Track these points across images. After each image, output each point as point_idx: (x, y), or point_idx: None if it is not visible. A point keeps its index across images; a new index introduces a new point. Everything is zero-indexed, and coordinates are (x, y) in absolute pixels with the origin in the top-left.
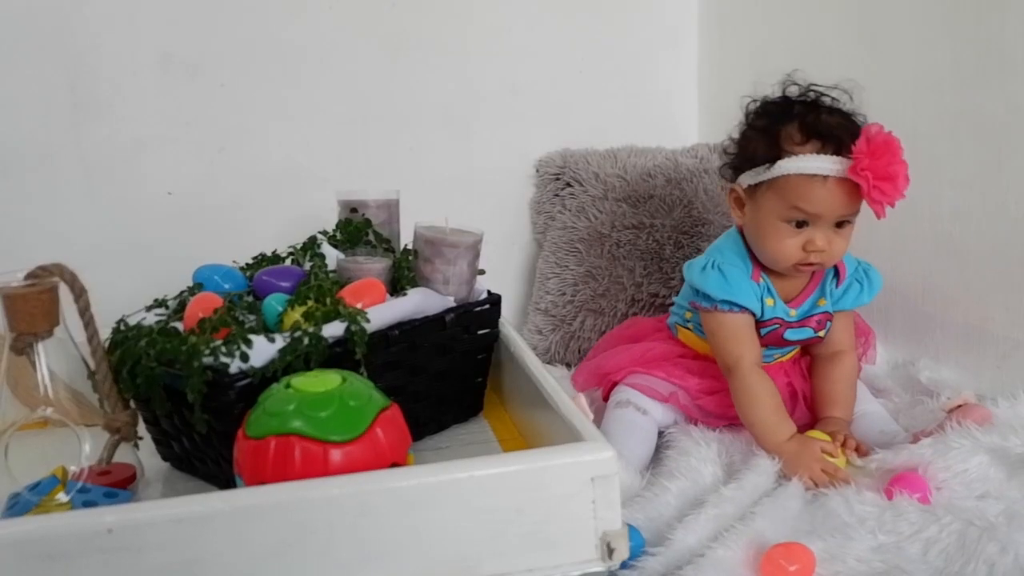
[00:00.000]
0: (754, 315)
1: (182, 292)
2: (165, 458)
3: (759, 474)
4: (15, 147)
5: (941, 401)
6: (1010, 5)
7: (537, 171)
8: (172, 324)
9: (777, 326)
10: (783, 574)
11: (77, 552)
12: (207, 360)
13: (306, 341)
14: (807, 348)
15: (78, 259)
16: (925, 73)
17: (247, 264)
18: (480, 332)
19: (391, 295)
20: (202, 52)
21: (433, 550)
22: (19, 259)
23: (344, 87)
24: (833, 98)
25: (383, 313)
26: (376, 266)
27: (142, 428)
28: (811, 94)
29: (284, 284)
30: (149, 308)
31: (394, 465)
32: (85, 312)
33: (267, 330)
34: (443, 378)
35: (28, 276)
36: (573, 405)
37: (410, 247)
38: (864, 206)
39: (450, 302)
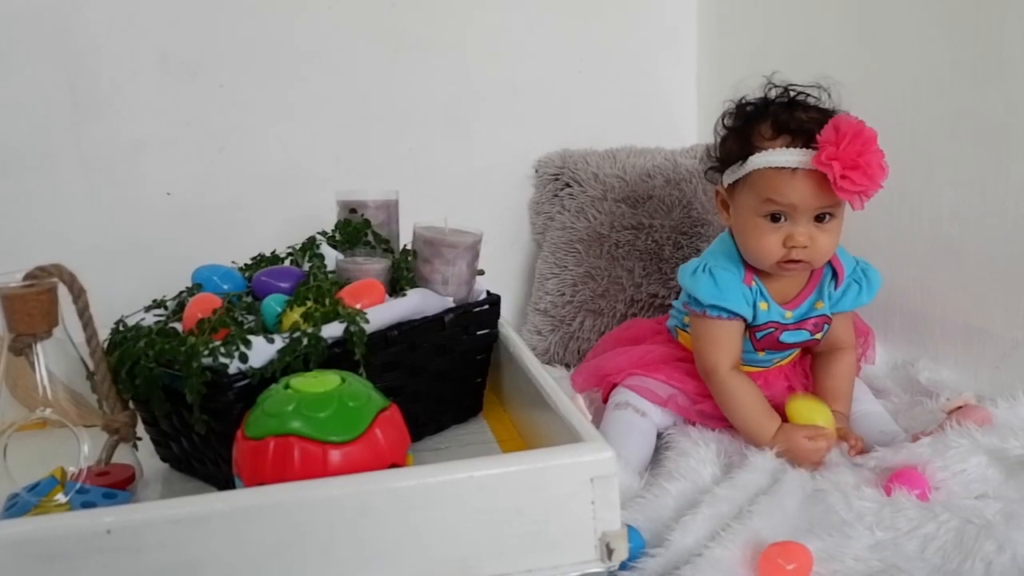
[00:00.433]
0: (745, 320)
1: (181, 293)
2: (164, 459)
3: (753, 472)
4: (15, 147)
5: (941, 402)
6: (1010, 5)
7: (536, 171)
8: (171, 325)
9: (772, 330)
10: (781, 573)
11: (76, 553)
12: (206, 361)
13: (305, 342)
14: (807, 348)
15: (77, 260)
16: (925, 73)
17: (246, 265)
18: (479, 332)
19: (390, 295)
20: (202, 52)
21: (433, 550)
22: (18, 259)
23: (343, 87)
24: (815, 97)
25: (382, 314)
26: (375, 267)
27: (141, 429)
28: (790, 93)
29: (283, 285)
30: (148, 309)
31: (393, 466)
32: (84, 313)
33: (266, 331)
34: (442, 378)
35: (27, 277)
36: (572, 406)
37: (409, 247)
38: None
39: (449, 302)
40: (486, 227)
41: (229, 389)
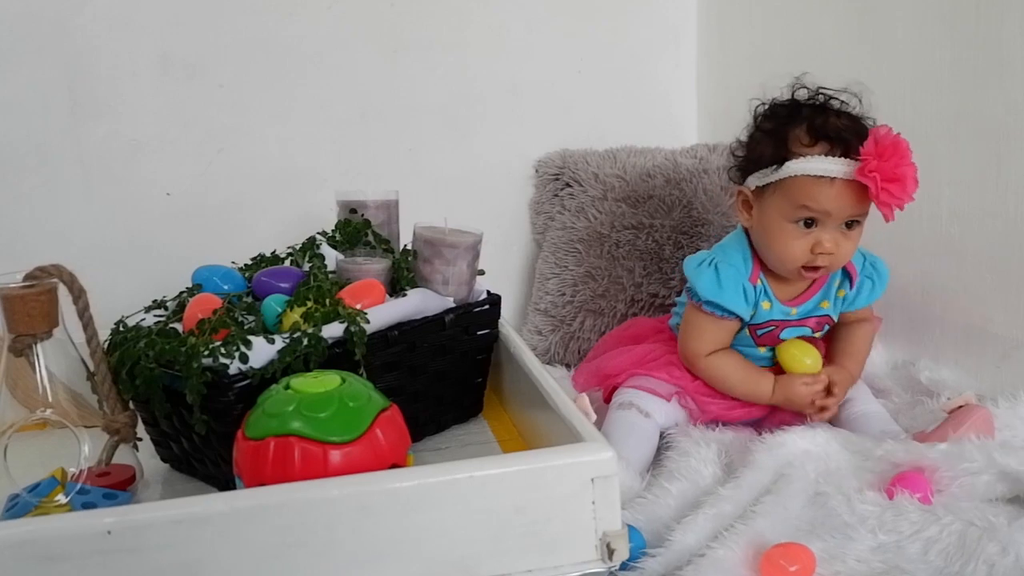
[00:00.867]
0: (742, 320)
1: (181, 293)
2: (164, 459)
3: (756, 471)
4: (14, 148)
5: (942, 402)
6: (1010, 5)
7: (536, 171)
8: (171, 325)
9: (773, 327)
10: (783, 574)
11: (76, 554)
12: (206, 361)
13: (305, 342)
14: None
15: (77, 260)
16: (925, 73)
17: (246, 265)
18: (480, 333)
19: (390, 296)
20: (201, 52)
21: (433, 550)
22: (18, 260)
23: (343, 87)
24: (842, 101)
25: (382, 314)
26: (375, 267)
27: (141, 429)
28: (820, 97)
29: (283, 285)
30: (148, 309)
31: (394, 466)
32: (84, 313)
33: (266, 331)
34: (443, 379)
35: (27, 277)
36: (572, 406)
37: (409, 247)
38: (871, 208)
39: (449, 303)
40: (486, 227)
41: (229, 389)
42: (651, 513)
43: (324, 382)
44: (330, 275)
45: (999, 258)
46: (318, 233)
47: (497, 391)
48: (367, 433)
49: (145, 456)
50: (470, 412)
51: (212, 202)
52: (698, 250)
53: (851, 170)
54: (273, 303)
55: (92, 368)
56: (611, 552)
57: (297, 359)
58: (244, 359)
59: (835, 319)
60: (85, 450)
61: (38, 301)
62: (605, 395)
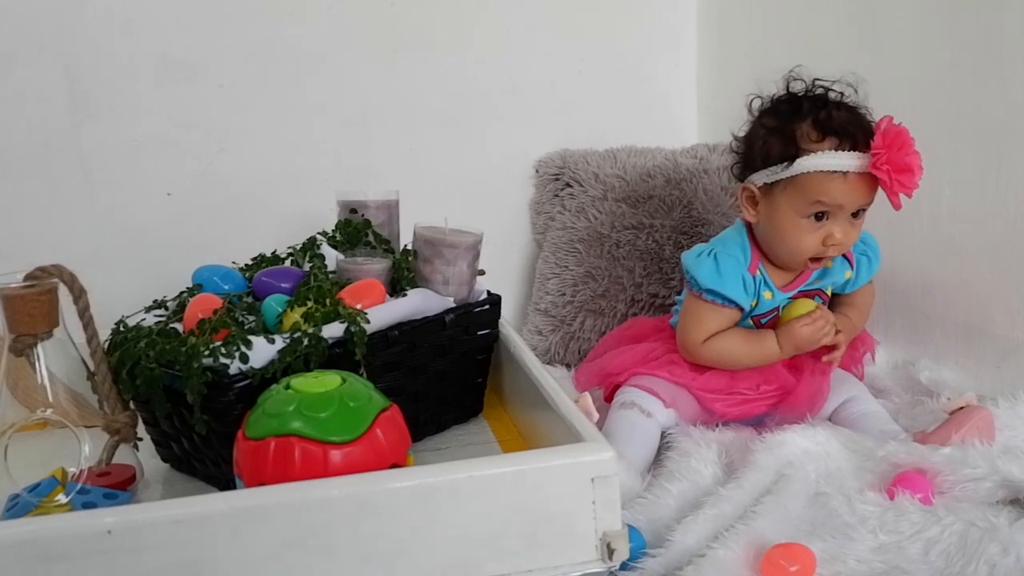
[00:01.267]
0: (742, 309)
1: (181, 293)
2: (165, 459)
3: (757, 471)
4: (14, 148)
5: (942, 402)
6: (1009, 5)
7: (537, 171)
8: (171, 325)
9: (775, 313)
10: (783, 574)
11: (77, 553)
12: (207, 361)
13: (306, 342)
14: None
15: (77, 260)
16: (925, 73)
17: (246, 265)
18: (480, 333)
19: (391, 296)
20: (201, 53)
21: (433, 550)
22: (19, 260)
23: (343, 87)
24: (840, 92)
25: (383, 314)
26: (376, 267)
27: (141, 429)
28: (817, 89)
29: (284, 285)
30: (148, 309)
31: (394, 466)
32: (84, 313)
33: (267, 331)
34: (443, 379)
35: (27, 277)
36: (573, 406)
37: (410, 248)
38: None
39: (450, 303)
40: (486, 227)
41: (230, 389)
42: (651, 513)
43: (324, 382)
44: (330, 275)
45: (999, 258)
46: (318, 233)
47: (497, 391)
48: (367, 433)
49: (145, 456)
50: (470, 412)
51: (212, 202)
52: None
53: (863, 163)
54: (273, 303)
55: (92, 368)
56: (611, 552)
57: (297, 359)
58: (244, 359)
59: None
60: (85, 450)
61: (39, 301)
62: (606, 394)
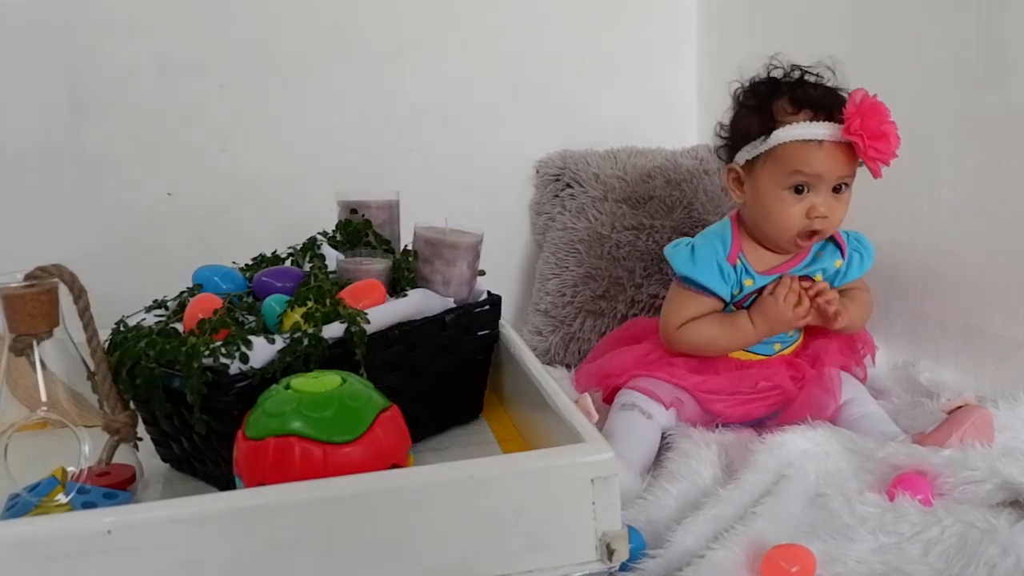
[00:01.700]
0: (721, 299)
1: (182, 293)
2: (164, 459)
3: (756, 472)
4: (15, 147)
5: (941, 402)
6: (1011, 6)
7: (537, 172)
8: (172, 325)
9: (755, 297)
10: (783, 575)
11: (77, 553)
12: (207, 361)
13: (306, 342)
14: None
15: (78, 260)
16: (925, 74)
17: (247, 265)
18: (480, 333)
19: (391, 296)
20: (202, 53)
21: (433, 550)
22: (19, 260)
23: (344, 87)
24: (817, 75)
25: (383, 314)
26: (376, 267)
27: (141, 429)
28: (795, 73)
29: (284, 285)
30: (148, 309)
31: (394, 466)
32: (85, 313)
33: (267, 331)
34: (443, 379)
35: (28, 277)
36: (573, 406)
37: (410, 248)
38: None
39: (450, 303)
40: (487, 228)
41: (230, 389)
42: (651, 514)
43: (324, 382)
44: (331, 275)
45: (1000, 259)
46: (319, 233)
47: (497, 391)
48: (367, 433)
49: (145, 456)
50: (470, 412)
51: (213, 202)
52: None
53: (837, 132)
54: (273, 303)
55: (92, 368)
56: (611, 553)
57: (297, 359)
58: (244, 359)
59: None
60: (85, 450)
61: (39, 301)
62: (605, 395)
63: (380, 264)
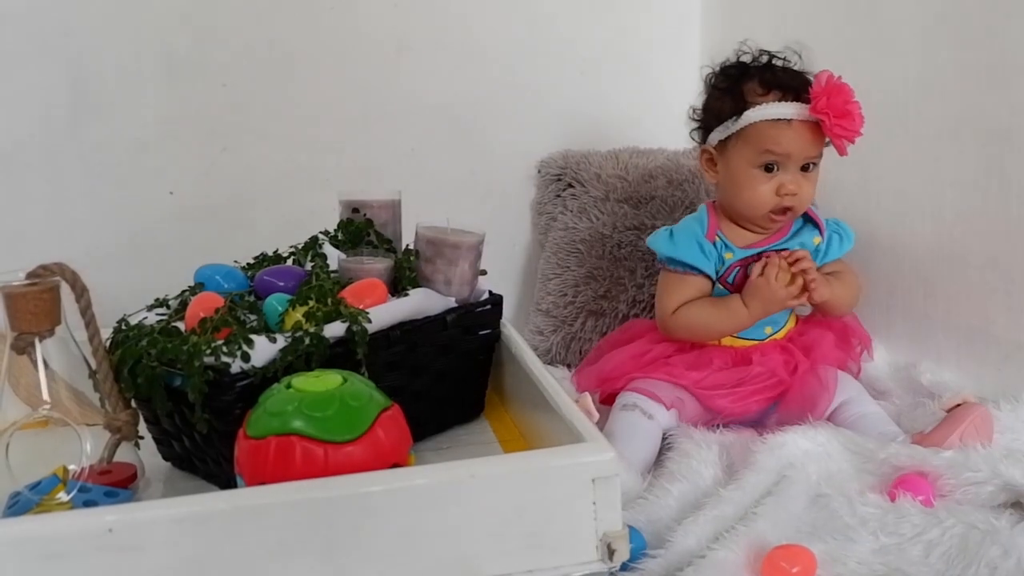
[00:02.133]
0: (707, 276)
1: (183, 292)
2: (166, 457)
3: (757, 473)
4: (16, 146)
5: (941, 401)
6: (1015, 7)
7: (539, 172)
8: (173, 324)
9: (738, 269)
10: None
11: (78, 552)
12: (208, 360)
13: (307, 341)
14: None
15: (79, 258)
16: (928, 75)
17: (248, 264)
18: (481, 333)
19: (392, 295)
20: (204, 52)
21: (434, 550)
22: (20, 258)
23: (346, 87)
24: (784, 59)
25: (384, 313)
26: (377, 266)
27: (143, 427)
28: (764, 57)
29: (285, 284)
30: (150, 308)
31: (395, 465)
32: (86, 311)
33: (268, 330)
34: (444, 378)
35: (29, 275)
36: (574, 406)
37: (412, 247)
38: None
39: (451, 302)
40: (488, 227)
41: (231, 388)
42: (652, 514)
43: (325, 381)
44: (332, 274)
45: (1002, 260)
46: (320, 232)
47: (498, 391)
48: (368, 432)
49: (146, 454)
50: (471, 412)
51: (215, 201)
52: None
53: (804, 110)
54: (275, 302)
55: (94, 366)
56: (612, 553)
57: (299, 358)
58: (246, 358)
59: None
60: (87, 448)
61: (40, 299)
62: (603, 398)
63: (382, 263)
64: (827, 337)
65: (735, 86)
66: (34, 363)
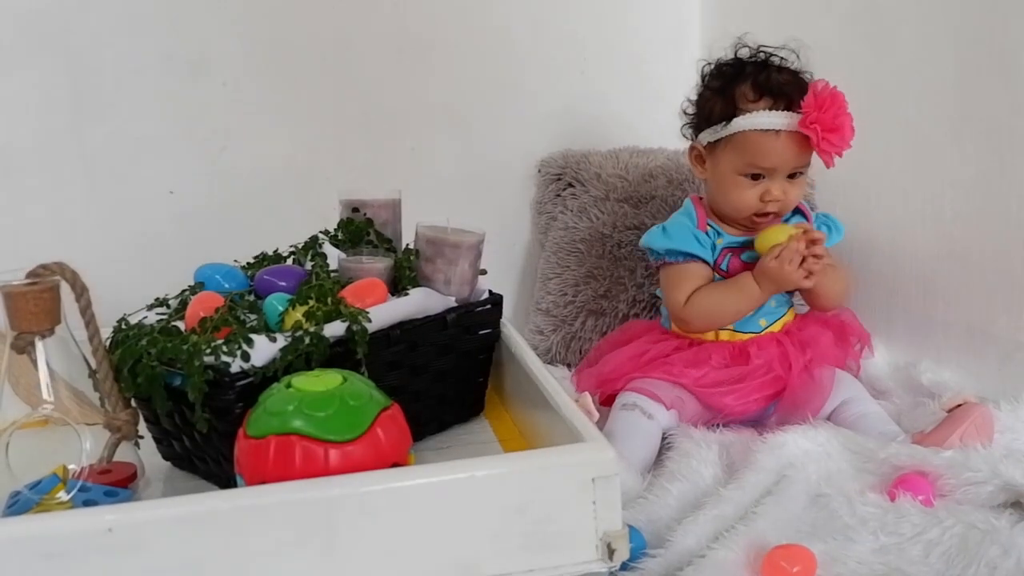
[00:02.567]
0: (706, 262)
1: (183, 291)
2: (166, 457)
3: (757, 472)
4: (17, 145)
5: (942, 401)
6: (1015, 7)
7: (539, 171)
8: (173, 323)
9: (730, 256)
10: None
11: (77, 551)
12: (208, 359)
13: (307, 341)
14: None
15: (79, 258)
16: (928, 74)
17: (248, 263)
18: (481, 332)
19: (392, 295)
20: (204, 51)
21: (433, 550)
22: (20, 257)
23: (346, 86)
24: (782, 57)
25: (384, 313)
26: (377, 266)
27: (143, 427)
28: (761, 54)
29: (285, 284)
30: (150, 307)
31: (395, 465)
32: (86, 311)
33: (268, 329)
34: (444, 378)
35: (29, 274)
36: (574, 405)
37: (412, 247)
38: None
39: (451, 302)
40: (488, 227)
41: (231, 388)
42: (652, 513)
43: (325, 381)
44: (332, 274)
45: (1002, 260)
46: (320, 232)
47: (498, 391)
48: (368, 432)
49: (146, 454)
50: (471, 411)
51: (215, 200)
52: None
53: (794, 122)
54: (275, 302)
55: (94, 366)
56: (612, 552)
57: (299, 358)
58: (246, 357)
59: None
60: (86, 447)
61: (40, 298)
62: (602, 399)
63: (382, 263)
64: (825, 335)
65: (728, 87)
66: (34, 362)
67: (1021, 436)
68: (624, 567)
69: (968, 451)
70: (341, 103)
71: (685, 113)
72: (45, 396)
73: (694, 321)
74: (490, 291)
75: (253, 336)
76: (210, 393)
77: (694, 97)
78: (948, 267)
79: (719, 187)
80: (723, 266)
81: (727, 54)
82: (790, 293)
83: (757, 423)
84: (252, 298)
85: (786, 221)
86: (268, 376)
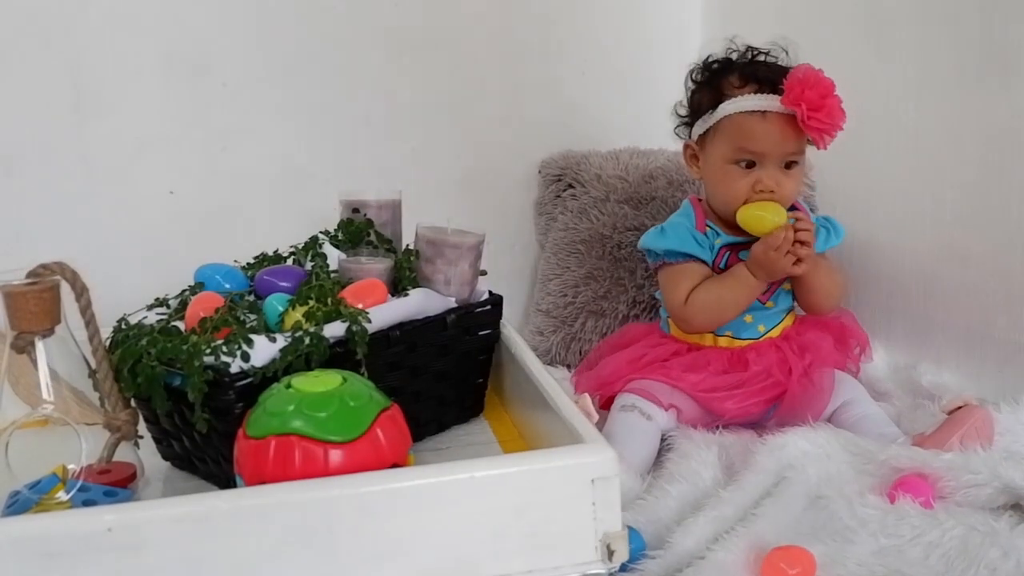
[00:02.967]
0: (705, 263)
1: (183, 291)
2: (165, 457)
3: (757, 474)
4: (17, 145)
5: (942, 404)
6: (1015, 8)
7: (539, 172)
8: (173, 323)
9: (728, 254)
10: None
11: (77, 551)
12: (208, 359)
13: (307, 341)
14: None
15: (80, 258)
16: (929, 76)
17: (248, 264)
18: (481, 333)
19: (392, 295)
20: (204, 51)
21: (433, 550)
22: (20, 257)
23: (347, 86)
24: (768, 52)
25: (384, 313)
26: (377, 266)
27: (142, 427)
28: (749, 53)
29: (285, 284)
30: (150, 307)
31: (394, 465)
32: (86, 311)
33: (268, 330)
34: (444, 379)
35: (29, 274)
36: (573, 406)
37: (412, 247)
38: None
39: (451, 303)
40: (489, 228)
41: (231, 388)
42: (651, 515)
43: (325, 381)
44: (332, 274)
45: (1002, 262)
46: (320, 232)
47: (498, 391)
48: (368, 433)
49: (146, 454)
50: (471, 412)
51: (215, 201)
52: None
53: (777, 102)
54: (275, 302)
55: (94, 365)
56: (611, 553)
57: (299, 358)
58: (246, 358)
59: None
60: (86, 447)
61: (40, 298)
62: (602, 401)
63: (382, 264)
64: (825, 339)
65: (715, 78)
66: (34, 362)
67: (1021, 438)
68: (623, 568)
69: (968, 453)
70: (341, 103)
71: (677, 114)
72: (45, 396)
73: (696, 318)
74: (490, 292)
75: (253, 336)
76: (210, 393)
77: (684, 100)
78: (948, 269)
79: (712, 181)
80: (722, 265)
81: (715, 54)
82: (792, 297)
83: (756, 425)
84: (252, 298)
85: None
86: (268, 376)
